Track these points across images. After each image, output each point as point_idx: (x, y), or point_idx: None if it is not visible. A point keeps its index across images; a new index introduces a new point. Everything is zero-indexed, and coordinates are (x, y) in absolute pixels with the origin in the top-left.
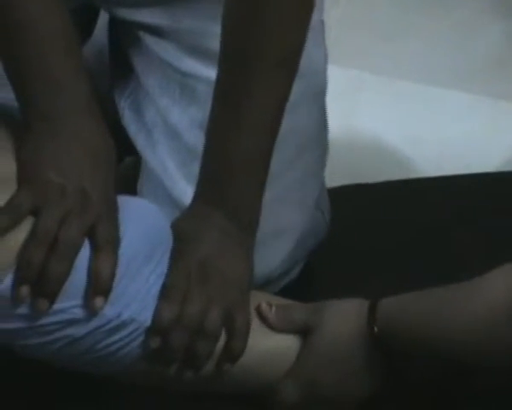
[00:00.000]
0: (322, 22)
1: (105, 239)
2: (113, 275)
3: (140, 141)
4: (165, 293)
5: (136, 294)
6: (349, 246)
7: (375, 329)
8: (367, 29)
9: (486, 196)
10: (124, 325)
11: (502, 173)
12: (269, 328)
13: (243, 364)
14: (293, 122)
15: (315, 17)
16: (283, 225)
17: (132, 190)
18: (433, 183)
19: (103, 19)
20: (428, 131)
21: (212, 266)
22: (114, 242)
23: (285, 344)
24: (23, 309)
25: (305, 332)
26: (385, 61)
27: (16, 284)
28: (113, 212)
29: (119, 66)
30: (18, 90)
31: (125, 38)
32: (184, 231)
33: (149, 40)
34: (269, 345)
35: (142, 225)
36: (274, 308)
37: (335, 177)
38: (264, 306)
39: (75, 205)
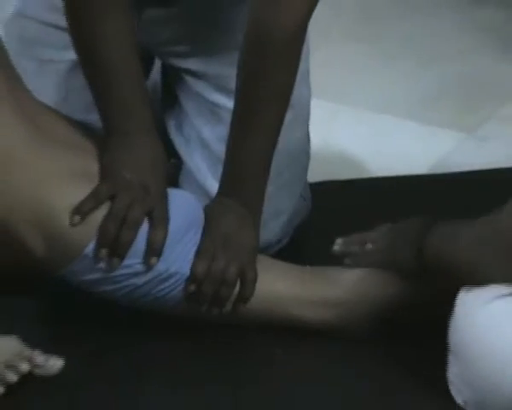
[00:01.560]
0: (308, 69)
1: (158, 218)
2: (163, 242)
3: (181, 149)
4: (198, 254)
5: (179, 255)
6: (324, 224)
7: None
8: (339, 73)
9: (418, 192)
10: (170, 276)
11: (433, 175)
12: (268, 281)
13: (251, 304)
14: (286, 139)
15: (304, 65)
16: (278, 210)
17: (176, 184)
18: (385, 181)
19: (157, 64)
20: (383, 146)
21: (230, 236)
22: (165, 220)
23: (278, 293)
24: (102, 265)
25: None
26: (352, 95)
27: (97, 247)
28: (164, 200)
29: (168, 96)
30: (102, 114)
31: (172, 77)
32: (212, 213)
33: (189, 80)
34: (268, 292)
35: (183, 209)
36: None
37: (315, 175)
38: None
39: (138, 195)
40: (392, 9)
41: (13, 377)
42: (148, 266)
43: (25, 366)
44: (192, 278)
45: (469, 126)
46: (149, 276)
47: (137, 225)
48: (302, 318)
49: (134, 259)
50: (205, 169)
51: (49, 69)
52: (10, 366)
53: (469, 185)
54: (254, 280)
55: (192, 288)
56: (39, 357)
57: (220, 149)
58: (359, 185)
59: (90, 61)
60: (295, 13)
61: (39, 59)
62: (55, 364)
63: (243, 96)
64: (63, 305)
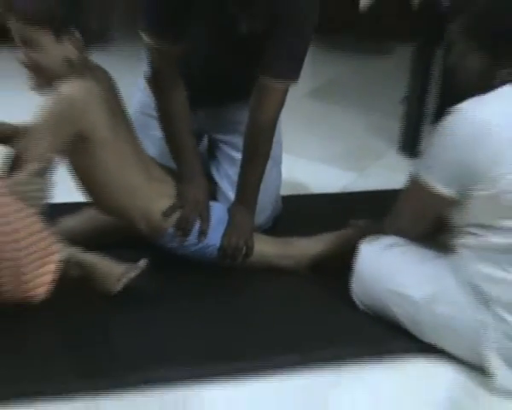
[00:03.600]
0: (281, 141)
1: (204, 217)
2: (207, 230)
3: (217, 179)
4: (223, 236)
5: (215, 236)
6: (289, 216)
7: None
8: (295, 142)
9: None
10: (210, 246)
11: (341, 194)
12: (260, 246)
13: (251, 259)
14: (268, 175)
15: (278, 139)
16: (264, 208)
17: (215, 196)
18: (317, 196)
19: (205, 137)
20: (317, 179)
21: (239, 225)
22: (208, 219)
23: (265, 252)
24: (176, 240)
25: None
26: (302, 152)
27: (175, 231)
28: (208, 208)
29: (211, 154)
30: (176, 164)
31: (213, 144)
32: (230, 212)
33: (222, 145)
34: (260, 252)
35: (217, 213)
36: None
37: (284, 191)
38: None
39: (195, 205)
40: (326, 110)
41: (117, 287)
42: (199, 241)
43: (125, 279)
44: (221, 248)
45: (359, 169)
46: (200, 246)
47: (194, 221)
48: (278, 265)
49: (192, 237)
50: (228, 188)
51: (152, 139)
52: (118, 280)
53: (361, 200)
54: (253, 246)
55: (221, 252)
56: (131, 272)
57: (236, 179)
58: (307, 198)
59: (169, 137)
60: (272, 112)
61: (147, 133)
62: (141, 264)
63: (245, 154)
64: (160, 257)
